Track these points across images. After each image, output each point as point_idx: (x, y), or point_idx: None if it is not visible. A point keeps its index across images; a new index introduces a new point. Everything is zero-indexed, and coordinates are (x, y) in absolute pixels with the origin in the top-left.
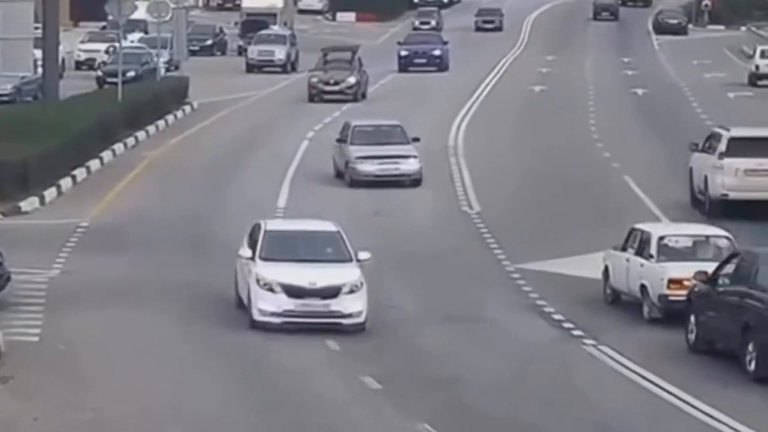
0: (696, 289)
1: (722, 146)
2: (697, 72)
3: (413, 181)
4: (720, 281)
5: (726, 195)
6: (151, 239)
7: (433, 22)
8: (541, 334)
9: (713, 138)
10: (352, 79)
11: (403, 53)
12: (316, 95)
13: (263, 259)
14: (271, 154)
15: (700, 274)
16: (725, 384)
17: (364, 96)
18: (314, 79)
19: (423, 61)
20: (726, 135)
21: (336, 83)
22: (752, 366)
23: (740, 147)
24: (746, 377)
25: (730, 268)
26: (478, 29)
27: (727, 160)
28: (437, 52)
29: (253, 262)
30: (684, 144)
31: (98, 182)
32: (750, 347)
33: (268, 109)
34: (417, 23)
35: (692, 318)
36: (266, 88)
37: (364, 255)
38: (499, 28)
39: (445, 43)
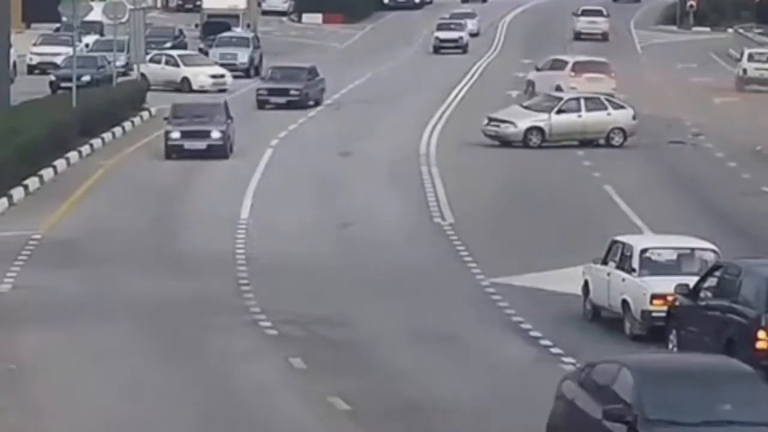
0: (677, 303)
1: (579, 11)
2: (682, 76)
3: None
4: (702, 295)
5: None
6: (108, 252)
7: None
8: (518, 353)
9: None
10: None
11: None
12: None
13: None
14: (233, 163)
15: (682, 288)
16: None
17: None
18: None
19: None
20: (581, 7)
21: None
22: None
23: (583, 13)
24: None
25: (712, 281)
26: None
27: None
28: None
29: None
30: (670, 152)
31: (52, 192)
32: None
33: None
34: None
35: (673, 333)
36: (228, 93)
37: None
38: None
39: None
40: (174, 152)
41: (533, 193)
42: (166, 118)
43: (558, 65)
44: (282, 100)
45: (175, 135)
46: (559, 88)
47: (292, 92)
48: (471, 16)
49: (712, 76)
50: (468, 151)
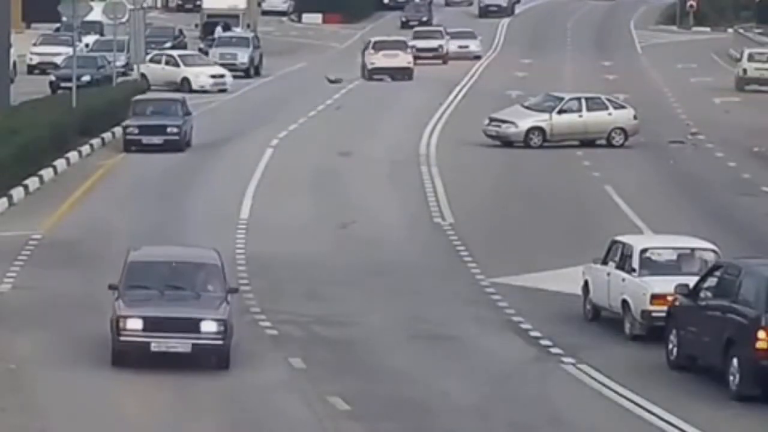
0: (677, 303)
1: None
2: (682, 76)
3: None
4: (702, 295)
5: None
6: (108, 252)
7: None
8: (518, 353)
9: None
10: None
11: None
12: None
13: None
14: (233, 163)
15: (682, 288)
16: (708, 402)
17: None
18: None
19: None
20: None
21: None
22: (735, 383)
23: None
24: (729, 395)
25: (712, 281)
26: None
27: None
28: None
29: None
30: (668, 152)
31: (52, 192)
32: (733, 363)
33: (230, 115)
34: None
35: (673, 333)
36: (228, 94)
37: None
38: None
39: None
40: (128, 353)
41: (533, 193)
42: (113, 287)
43: (366, 45)
44: (157, 139)
45: (136, 324)
46: (364, 64)
47: (169, 130)
48: (470, 35)
49: (712, 76)
50: (468, 151)
